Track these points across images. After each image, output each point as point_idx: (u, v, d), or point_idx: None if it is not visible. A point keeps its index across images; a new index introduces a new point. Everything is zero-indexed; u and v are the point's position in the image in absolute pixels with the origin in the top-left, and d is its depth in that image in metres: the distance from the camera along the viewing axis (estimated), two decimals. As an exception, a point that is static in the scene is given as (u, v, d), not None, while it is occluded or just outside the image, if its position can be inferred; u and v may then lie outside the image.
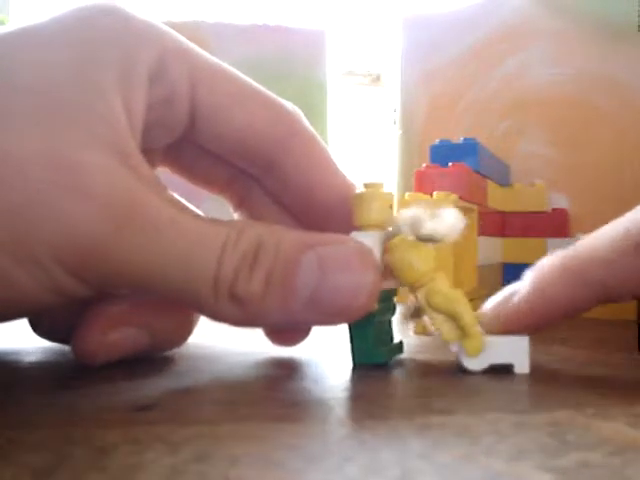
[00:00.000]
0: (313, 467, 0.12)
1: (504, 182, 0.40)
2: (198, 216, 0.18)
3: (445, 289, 0.20)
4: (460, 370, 0.20)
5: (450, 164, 0.30)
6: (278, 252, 0.18)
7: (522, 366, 0.20)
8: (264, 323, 0.19)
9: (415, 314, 0.21)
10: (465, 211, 0.26)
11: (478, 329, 0.20)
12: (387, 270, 0.20)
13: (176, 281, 0.17)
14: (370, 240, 0.20)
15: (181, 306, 0.21)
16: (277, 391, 0.18)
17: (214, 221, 0.18)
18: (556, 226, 0.38)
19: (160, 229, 0.17)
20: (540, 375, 0.20)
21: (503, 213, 0.38)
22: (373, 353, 0.21)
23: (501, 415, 0.15)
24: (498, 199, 0.37)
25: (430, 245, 0.20)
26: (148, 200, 0.17)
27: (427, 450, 0.13)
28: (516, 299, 0.21)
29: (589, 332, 0.29)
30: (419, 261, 0.20)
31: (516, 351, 0.20)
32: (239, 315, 0.18)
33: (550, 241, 0.37)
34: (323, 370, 0.21)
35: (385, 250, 0.20)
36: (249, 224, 0.18)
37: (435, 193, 0.28)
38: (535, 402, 0.17)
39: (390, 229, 0.21)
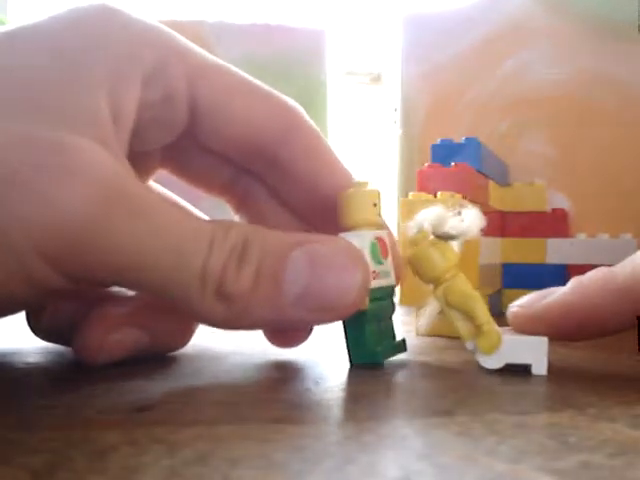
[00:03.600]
0: (314, 468, 0.12)
1: (503, 182, 0.40)
2: (185, 210, 0.18)
3: (463, 287, 0.20)
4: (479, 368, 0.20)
5: (453, 164, 0.30)
6: (266, 248, 0.18)
7: (540, 367, 0.20)
8: (251, 322, 0.18)
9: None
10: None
11: (493, 328, 0.20)
12: (408, 267, 0.21)
13: (163, 273, 0.16)
14: (358, 240, 0.20)
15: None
16: (277, 392, 0.18)
17: (200, 217, 0.18)
18: (556, 226, 0.38)
19: (148, 216, 0.16)
20: (540, 376, 0.20)
21: (502, 213, 0.38)
22: (369, 353, 0.21)
23: (501, 416, 0.15)
24: (498, 199, 0.37)
25: (451, 243, 0.21)
26: (135, 186, 0.17)
27: (428, 451, 0.13)
28: (553, 297, 0.20)
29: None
30: (439, 258, 0.20)
31: (534, 351, 0.20)
32: (226, 313, 0.17)
33: (550, 241, 0.37)
34: (323, 371, 0.21)
35: (406, 246, 0.21)
36: (235, 222, 0.18)
37: (439, 193, 0.28)
38: (536, 403, 0.17)
39: (410, 228, 0.21)
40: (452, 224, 0.20)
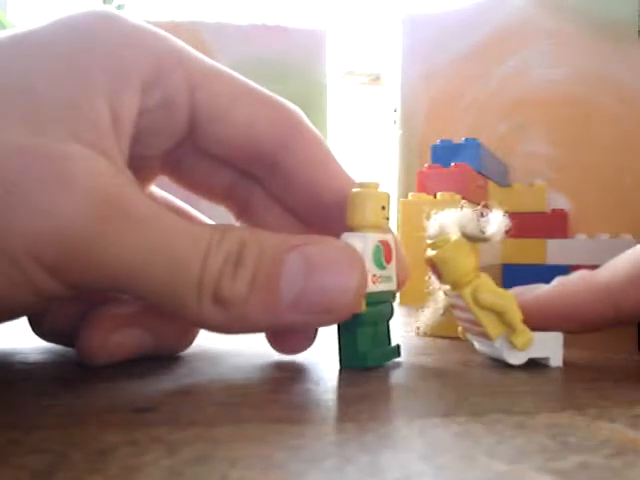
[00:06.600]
0: (313, 468, 0.12)
1: (503, 182, 0.40)
2: (183, 216, 0.18)
3: (494, 287, 0.21)
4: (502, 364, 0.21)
5: (452, 164, 0.30)
6: (262, 252, 0.17)
7: (556, 360, 0.21)
8: (249, 326, 0.18)
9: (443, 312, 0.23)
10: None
11: (525, 326, 0.21)
12: (432, 268, 0.21)
13: (160, 281, 0.17)
14: (362, 241, 0.20)
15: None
16: (278, 393, 0.18)
17: (197, 222, 0.18)
18: (555, 227, 0.38)
19: (145, 224, 0.16)
20: (540, 376, 0.20)
21: (502, 213, 0.38)
22: (359, 357, 0.20)
23: (501, 416, 0.15)
24: (498, 199, 0.36)
25: (475, 245, 0.21)
26: (133, 194, 0.17)
27: (427, 451, 0.13)
28: (536, 292, 0.22)
29: (588, 333, 0.29)
30: (466, 260, 0.21)
31: (552, 345, 0.21)
32: (222, 318, 0.17)
33: (549, 242, 0.37)
34: (323, 372, 0.21)
35: (430, 248, 0.21)
36: (231, 226, 0.18)
37: (439, 194, 0.28)
38: (535, 403, 0.17)
39: (431, 227, 0.21)
40: (482, 226, 0.21)
